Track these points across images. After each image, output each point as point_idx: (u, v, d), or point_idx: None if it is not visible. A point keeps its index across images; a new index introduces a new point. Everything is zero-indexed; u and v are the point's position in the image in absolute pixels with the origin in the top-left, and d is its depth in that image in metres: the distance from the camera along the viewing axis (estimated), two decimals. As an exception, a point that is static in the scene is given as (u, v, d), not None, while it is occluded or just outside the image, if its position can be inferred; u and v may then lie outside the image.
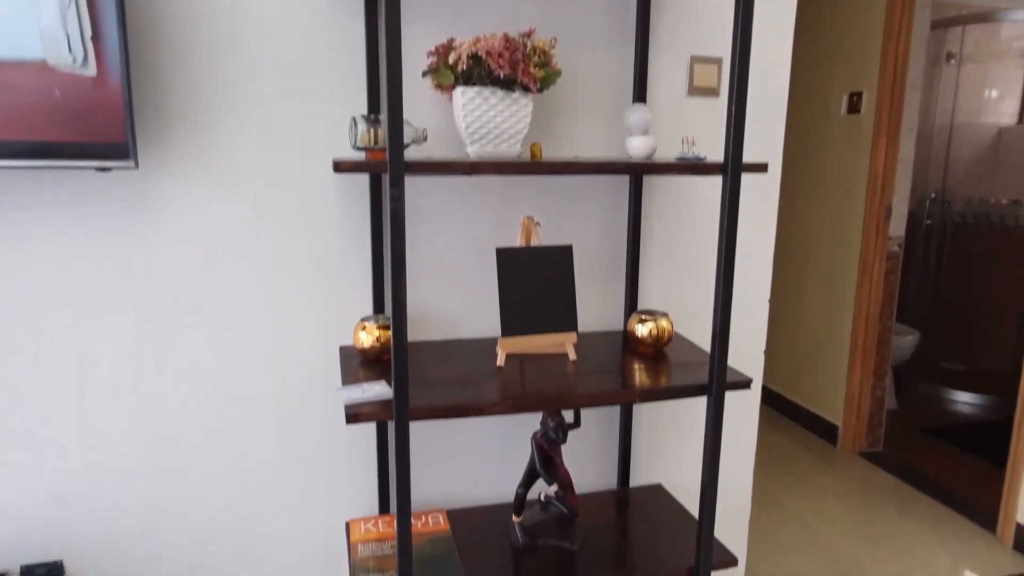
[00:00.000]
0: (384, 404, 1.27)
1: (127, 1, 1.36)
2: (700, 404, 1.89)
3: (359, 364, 1.49)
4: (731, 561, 1.52)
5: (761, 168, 1.39)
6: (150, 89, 1.42)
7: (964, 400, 3.95)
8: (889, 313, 3.18)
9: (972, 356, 4.13)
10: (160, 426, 1.57)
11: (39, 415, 1.49)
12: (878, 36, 2.98)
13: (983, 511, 2.69)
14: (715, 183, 1.79)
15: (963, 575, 2.32)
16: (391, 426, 1.67)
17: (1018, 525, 2.47)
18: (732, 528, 2.00)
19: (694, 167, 1.36)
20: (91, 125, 1.26)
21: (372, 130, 1.39)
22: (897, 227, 3.10)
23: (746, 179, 1.80)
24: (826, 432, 3.39)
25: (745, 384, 1.43)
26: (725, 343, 1.37)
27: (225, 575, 1.67)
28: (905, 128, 3.04)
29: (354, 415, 1.24)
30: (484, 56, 1.35)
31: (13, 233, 1.41)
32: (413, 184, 1.60)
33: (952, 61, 4.09)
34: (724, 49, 1.72)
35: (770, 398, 3.82)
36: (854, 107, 3.15)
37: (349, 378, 1.40)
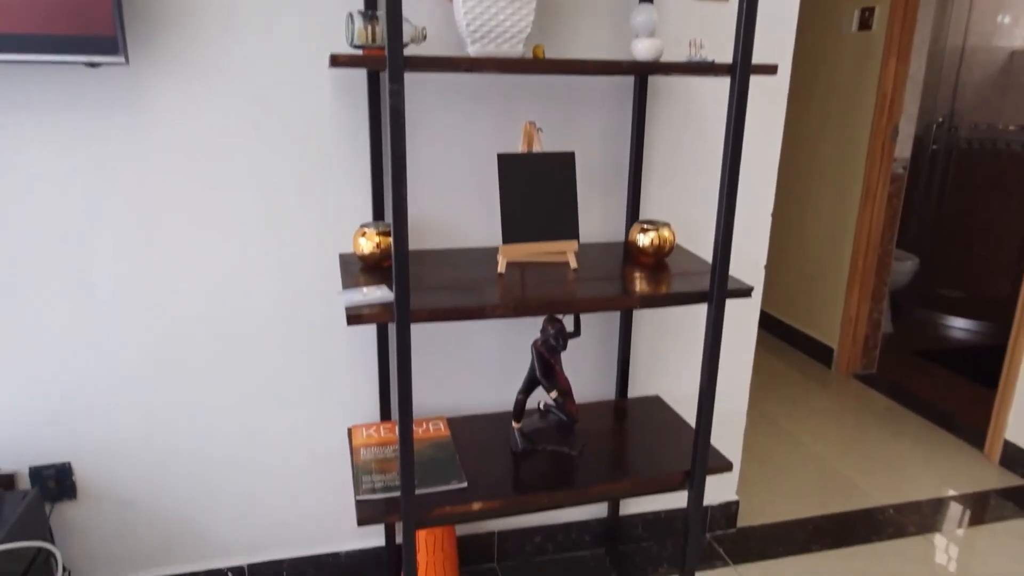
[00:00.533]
0: (385, 306, 1.27)
1: None
2: (698, 318, 1.90)
3: (359, 271, 1.48)
4: (726, 466, 1.55)
5: (771, 70, 1.35)
6: (138, -18, 1.37)
7: (960, 326, 3.98)
8: (890, 237, 3.16)
9: (972, 283, 4.14)
10: (161, 331, 1.57)
11: (40, 319, 1.49)
12: (894, -53, 2.86)
13: (972, 430, 2.74)
14: (722, 93, 1.74)
15: (948, 490, 2.38)
16: (391, 333, 1.67)
17: (1005, 442, 2.52)
18: (727, 439, 2.03)
19: (702, 67, 1.32)
20: (78, 16, 1.21)
21: (369, 27, 1.34)
22: (903, 149, 3.05)
23: (753, 88, 1.75)
24: (821, 355, 3.42)
25: (746, 292, 1.43)
26: (728, 249, 1.36)
27: (229, 480, 1.71)
28: (916, 46, 2.95)
29: (356, 316, 1.24)
30: (486, -53, 1.29)
31: (24, 125, 1.38)
32: (413, 95, 1.56)
33: (968, -21, 3.95)
34: (735, -51, 1.66)
35: (768, 322, 3.85)
36: (865, 23, 3.05)
37: (350, 283, 1.39)
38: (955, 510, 2.27)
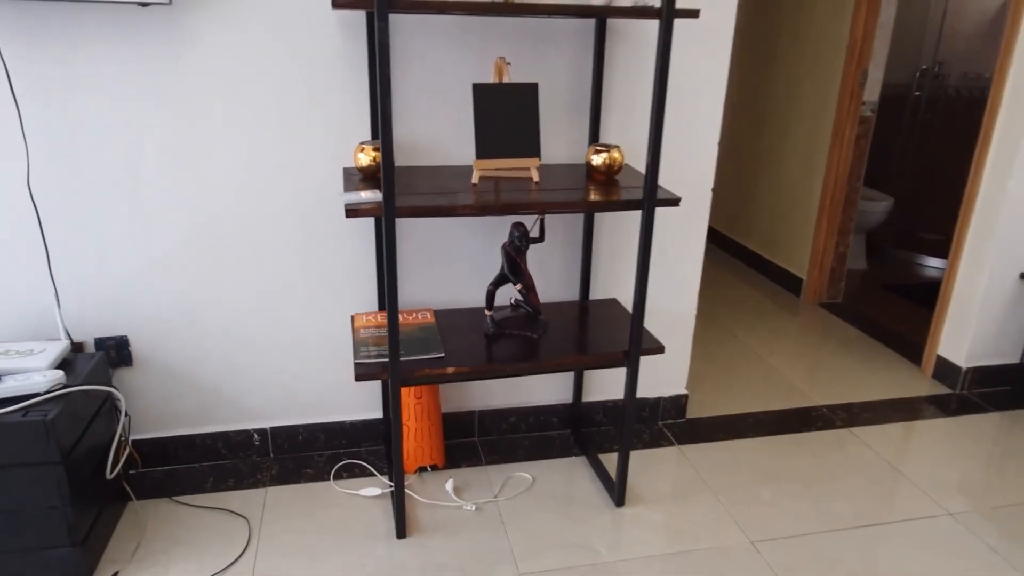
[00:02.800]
0: (377, 204, 1.60)
1: None
2: (657, 232, 2.21)
3: (359, 180, 1.80)
4: (658, 348, 1.89)
5: (693, 14, 1.63)
6: (178, -64, 1.67)
7: (933, 265, 4.23)
8: (857, 176, 3.42)
9: (951, 226, 4.38)
10: (197, 231, 1.92)
11: (101, 214, 1.84)
12: (868, -101, 3.05)
13: (916, 349, 3.05)
14: (675, 35, 2.01)
15: (879, 396, 2.71)
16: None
17: (938, 357, 2.83)
18: (678, 336, 2.36)
19: (638, 11, 1.61)
20: (133, -34, 1.53)
21: (366, -25, 1.64)
22: (872, 93, 3.29)
23: (700, 31, 2.03)
24: (792, 285, 3.72)
25: (675, 202, 1.74)
26: (655, 166, 1.67)
27: (253, 358, 2.07)
28: (887, -6, 3.16)
29: (353, 211, 1.57)
30: (461, -91, 1.57)
31: (70, 61, 1.70)
32: (404, 33, 1.85)
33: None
34: (686, -92, 1.91)
35: (744, 254, 4.14)
36: (841, -28, 3.26)
37: (350, 189, 1.72)
38: (880, 410, 2.60)
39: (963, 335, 2.71)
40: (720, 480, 2.16)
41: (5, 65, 1.66)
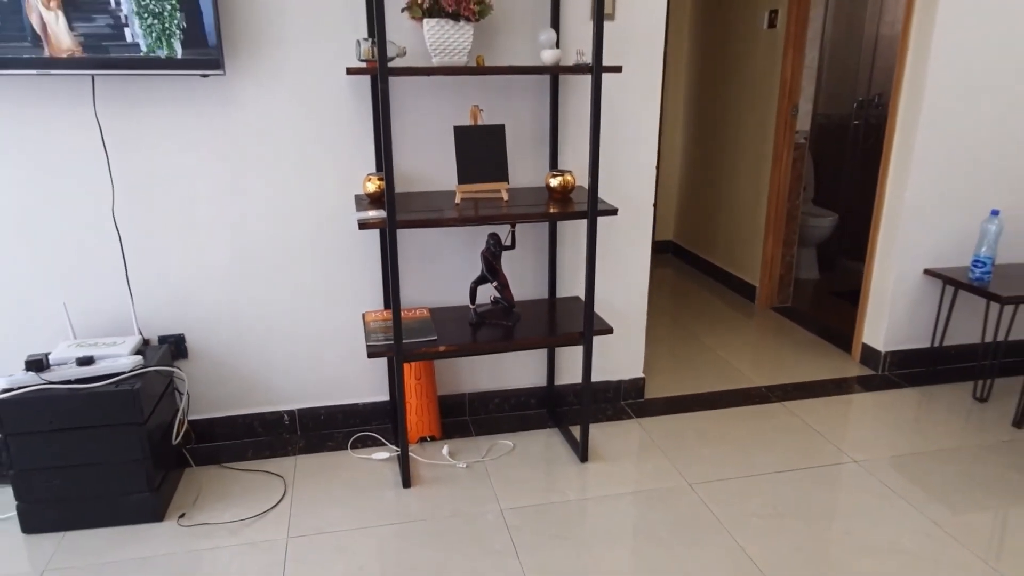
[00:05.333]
0: (383, 219, 2.10)
1: (211, -35, 2.12)
2: (606, 241, 2.70)
3: (368, 203, 2.31)
4: (608, 330, 2.37)
5: (617, 69, 2.16)
6: (232, 24, 2.20)
7: (880, 274, 4.72)
8: (796, 194, 3.93)
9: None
10: (238, 247, 2.42)
11: (165, 236, 2.35)
12: (788, -38, 3.63)
13: (847, 340, 3.53)
14: (615, 83, 2.54)
15: (810, 377, 3.18)
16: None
17: (863, 345, 3.31)
18: (631, 327, 2.85)
19: (577, 68, 2.14)
20: (198, 50, 2.06)
21: (372, 48, 2.17)
22: (803, 123, 3.82)
23: (635, 78, 2.55)
24: (748, 292, 4.22)
25: (612, 211, 2.24)
26: (595, 184, 2.18)
27: (283, 350, 2.56)
28: (810, 40, 3.71)
29: (364, 224, 2.08)
30: (440, -2, 2.11)
31: (145, 118, 2.23)
32: (399, 85, 2.38)
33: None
34: (617, -15, 2.45)
35: (704, 266, 4.64)
36: (772, 22, 3.82)
37: (361, 209, 2.23)
38: (810, 388, 3.07)
39: (880, 324, 3.20)
40: (668, 443, 2.63)
41: (99, 123, 2.19)
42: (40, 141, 2.19)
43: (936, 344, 3.23)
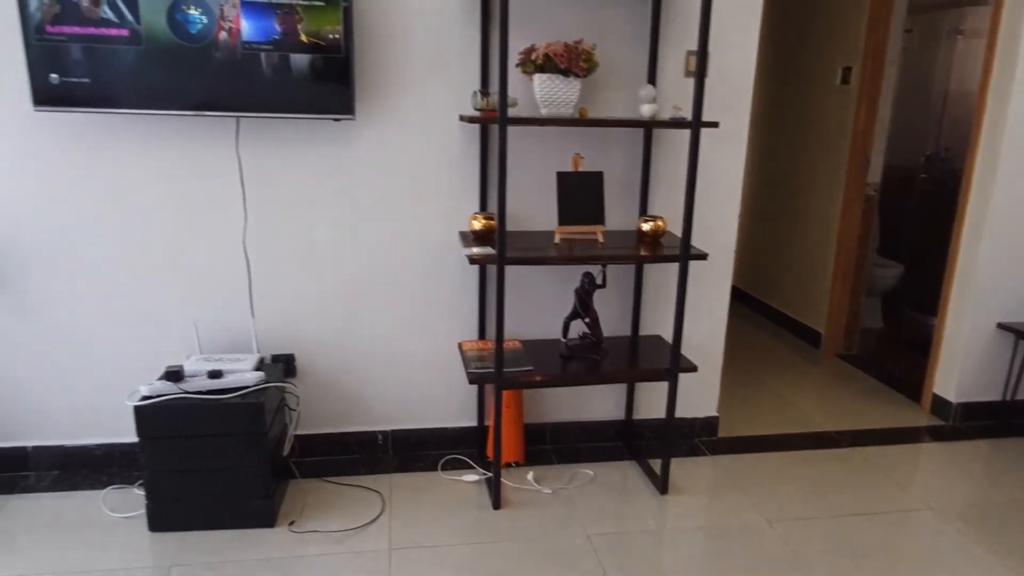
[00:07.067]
0: (490, 255, 2.28)
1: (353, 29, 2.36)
2: (693, 283, 2.84)
3: (472, 239, 2.49)
4: (692, 368, 2.49)
5: (714, 124, 2.31)
6: (360, 74, 2.43)
7: (944, 325, 4.74)
8: (865, 244, 4.02)
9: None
10: (348, 277, 2.62)
11: (284, 259, 2.56)
12: (863, 22, 3.78)
13: (916, 389, 3.57)
14: (705, 135, 2.70)
15: (879, 424, 3.24)
16: (488, 280, 2.68)
17: (933, 395, 3.36)
18: (708, 366, 2.96)
19: (675, 123, 2.30)
20: (333, 96, 2.28)
21: (485, 98, 2.37)
22: (874, 175, 3.92)
23: (721, 134, 2.71)
24: (811, 338, 4.29)
25: (703, 256, 2.38)
26: (688, 230, 2.32)
27: (382, 374, 2.74)
28: (883, 96, 3.83)
29: (473, 259, 2.25)
30: (552, 56, 2.30)
31: (289, 155, 2.46)
32: (508, 132, 2.57)
33: (958, 36, 4.78)
34: (712, 45, 2.62)
35: (769, 312, 4.72)
36: (846, 78, 3.96)
37: (467, 246, 2.41)
38: (881, 435, 3.13)
39: (952, 375, 3.25)
40: (745, 480, 2.72)
41: (240, 160, 2.42)
42: (188, 174, 2.43)
43: (1008, 397, 3.26)
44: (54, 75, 2.12)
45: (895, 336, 4.51)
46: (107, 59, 2.13)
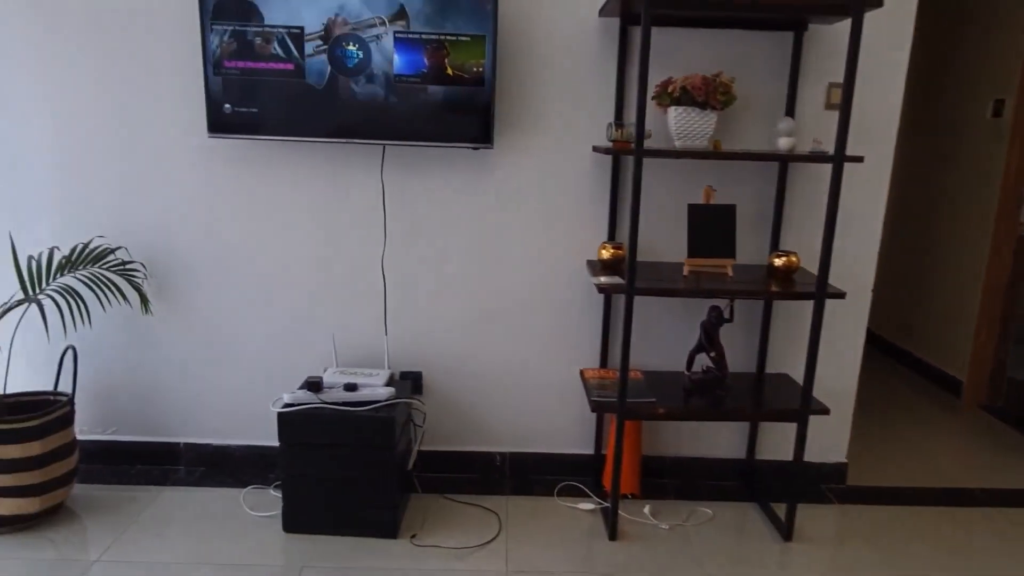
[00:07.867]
0: (618, 285, 2.29)
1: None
2: (826, 322, 2.73)
3: (600, 268, 2.52)
4: (824, 410, 2.40)
5: (858, 159, 2.24)
6: (499, 103, 2.53)
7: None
8: (1015, 287, 3.73)
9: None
10: (478, 303, 2.70)
11: (418, 279, 2.68)
12: (1018, 53, 3.55)
13: (1075, 451, 3.27)
14: (845, 170, 2.61)
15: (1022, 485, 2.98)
16: (614, 310, 2.69)
17: (1096, 456, 3.06)
18: (839, 409, 2.83)
19: (815, 157, 2.25)
20: (474, 127, 2.38)
21: (620, 130, 2.41)
22: (1028, 215, 3.65)
23: (861, 169, 2.61)
24: (951, 386, 4.01)
25: (840, 295, 2.30)
26: (826, 267, 2.25)
27: (504, 397, 2.79)
28: (1041, 131, 3.57)
29: (601, 288, 2.27)
30: (689, 88, 2.31)
31: (429, 180, 2.59)
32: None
33: None
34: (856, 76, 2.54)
35: (900, 354, 4.45)
36: (997, 111, 3.72)
37: (596, 275, 2.43)
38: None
39: (1118, 436, 2.95)
40: (875, 533, 2.57)
41: (383, 185, 2.57)
42: (336, 197, 2.60)
43: None
44: (227, 105, 2.33)
45: (1047, 389, 4.14)
46: (273, 90, 2.33)
